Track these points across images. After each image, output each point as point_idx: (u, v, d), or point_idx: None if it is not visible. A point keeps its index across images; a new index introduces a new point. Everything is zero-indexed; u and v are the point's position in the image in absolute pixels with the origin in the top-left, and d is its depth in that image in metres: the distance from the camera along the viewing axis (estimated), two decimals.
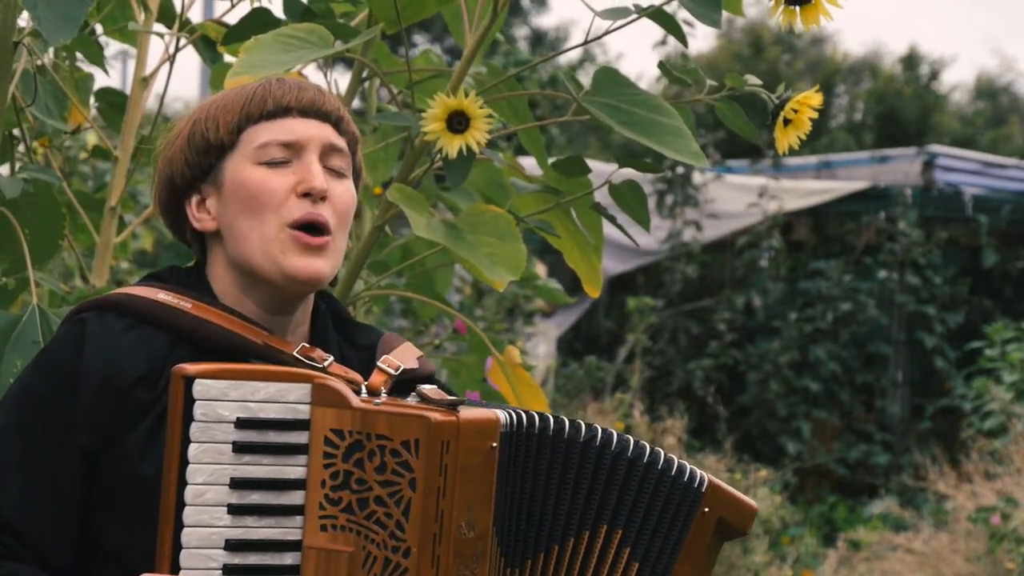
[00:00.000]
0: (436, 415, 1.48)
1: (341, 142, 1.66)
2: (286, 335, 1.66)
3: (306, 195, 1.61)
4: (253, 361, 1.58)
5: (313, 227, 1.61)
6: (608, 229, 2.39)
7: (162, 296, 1.61)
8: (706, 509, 1.67)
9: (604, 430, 1.64)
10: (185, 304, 1.60)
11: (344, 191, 1.66)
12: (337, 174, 1.65)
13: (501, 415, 1.54)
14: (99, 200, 2.70)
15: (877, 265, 9.55)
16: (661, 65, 2.13)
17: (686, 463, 1.68)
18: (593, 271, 2.34)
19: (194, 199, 1.66)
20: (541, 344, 8.67)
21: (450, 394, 1.59)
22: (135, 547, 1.50)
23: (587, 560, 1.62)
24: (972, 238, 9.68)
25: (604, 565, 1.63)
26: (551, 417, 1.61)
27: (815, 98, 2.03)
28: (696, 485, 1.67)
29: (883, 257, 9.50)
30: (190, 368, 1.48)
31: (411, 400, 1.54)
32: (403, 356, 1.67)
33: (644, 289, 9.99)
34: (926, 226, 9.54)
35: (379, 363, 1.61)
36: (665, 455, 1.67)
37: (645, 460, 1.65)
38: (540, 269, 7.44)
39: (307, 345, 1.61)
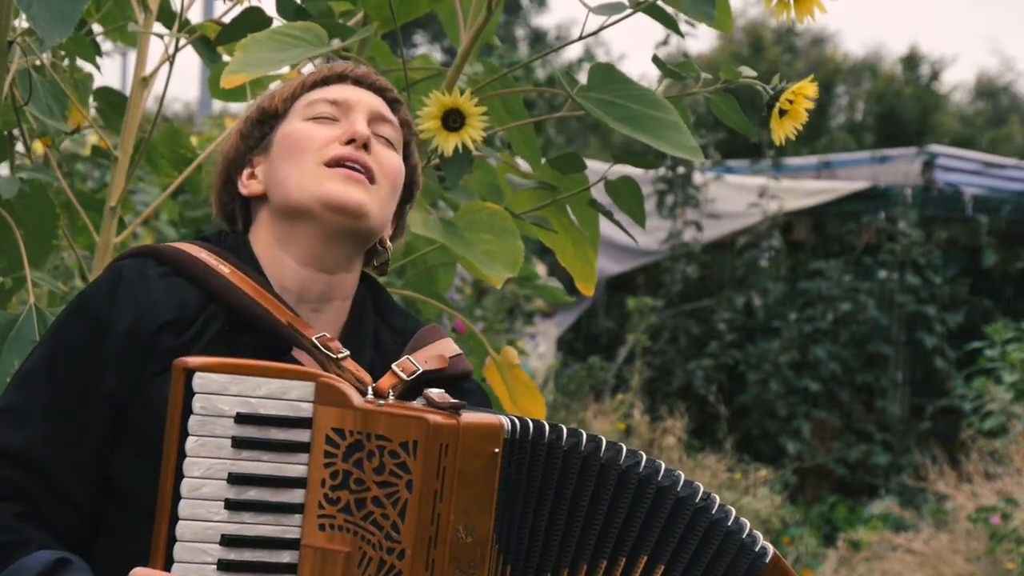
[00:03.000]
0: (436, 417, 1.47)
1: (392, 117, 1.70)
2: (324, 304, 1.65)
3: (349, 142, 1.63)
4: (274, 337, 1.58)
5: (352, 167, 1.62)
6: (608, 229, 2.38)
7: (203, 255, 1.62)
8: None
9: (651, 460, 1.59)
10: (223, 268, 1.61)
11: (392, 157, 1.68)
12: (385, 141, 1.68)
13: (505, 421, 1.52)
14: (99, 200, 2.70)
15: (877, 265, 9.55)
16: (655, 59, 2.13)
17: (746, 521, 1.63)
18: (588, 267, 2.33)
19: (245, 172, 1.70)
20: (541, 344, 8.67)
21: (479, 397, 1.59)
22: (155, 488, 1.49)
23: None
24: (972, 238, 9.67)
25: None
26: (567, 431, 1.56)
27: (810, 88, 2.02)
28: (758, 550, 1.62)
29: (883, 257, 9.49)
30: (191, 361, 1.47)
31: (417, 403, 1.53)
32: (433, 353, 1.65)
33: (644, 289, 10.00)
34: (926, 226, 9.54)
35: (393, 366, 1.60)
36: (722, 504, 1.61)
37: (696, 502, 1.59)
38: (540, 269, 7.45)
39: (327, 335, 1.60)
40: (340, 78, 1.70)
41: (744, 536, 1.62)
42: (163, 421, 1.49)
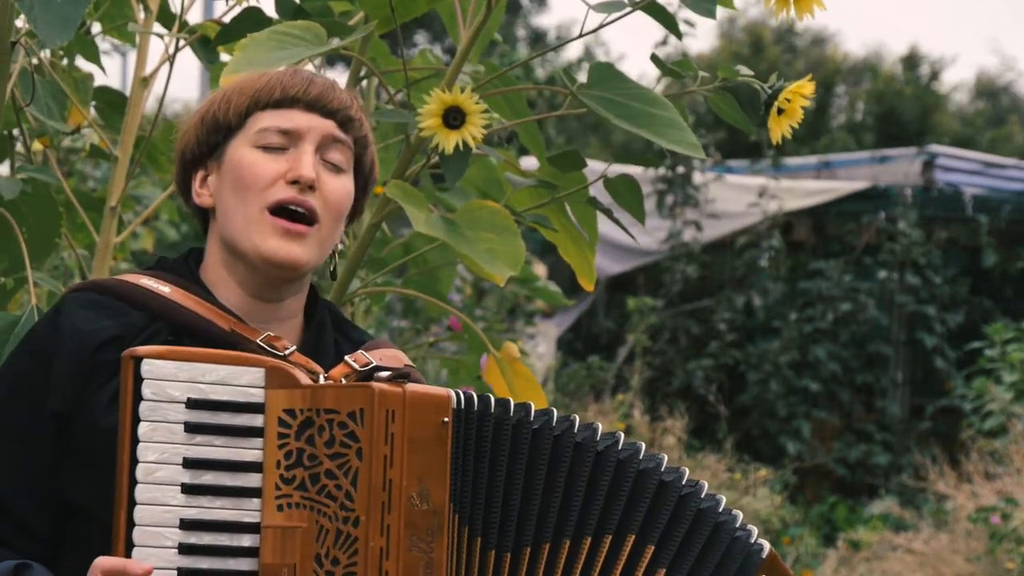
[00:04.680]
0: (381, 385, 1.50)
1: (344, 137, 1.69)
2: (272, 324, 1.67)
3: (294, 182, 1.64)
4: (218, 347, 1.60)
5: (294, 213, 1.64)
6: (609, 228, 2.39)
7: (144, 281, 1.66)
8: None
9: (632, 443, 1.61)
10: (163, 288, 1.65)
11: (339, 186, 1.68)
12: (334, 168, 1.68)
13: (453, 393, 1.54)
14: (99, 200, 2.70)
15: (877, 265, 9.55)
16: (654, 57, 2.13)
17: (739, 512, 1.64)
18: (587, 265, 2.34)
19: (199, 174, 1.71)
20: (541, 344, 8.67)
21: None
22: (106, 502, 1.51)
23: (611, 564, 1.59)
24: (972, 238, 9.68)
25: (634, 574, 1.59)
26: (536, 411, 1.58)
27: (807, 87, 2.03)
28: (754, 544, 1.64)
29: (883, 257, 9.50)
30: (139, 349, 1.51)
31: None
32: (387, 354, 1.69)
33: (644, 289, 9.99)
34: (926, 226, 9.54)
35: (346, 357, 1.63)
36: (711, 493, 1.63)
37: (682, 487, 1.61)
38: (540, 270, 7.45)
39: (272, 335, 1.64)
40: (292, 101, 1.67)
41: (737, 526, 1.63)
42: (107, 434, 1.52)
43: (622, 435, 1.61)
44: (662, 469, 1.61)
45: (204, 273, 1.70)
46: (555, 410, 1.60)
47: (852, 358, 9.47)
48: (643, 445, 1.62)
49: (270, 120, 1.67)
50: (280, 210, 1.64)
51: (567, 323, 9.89)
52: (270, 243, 1.63)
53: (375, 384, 1.50)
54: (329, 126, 1.68)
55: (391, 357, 1.70)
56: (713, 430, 8.79)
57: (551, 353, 9.02)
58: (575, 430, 1.59)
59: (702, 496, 1.62)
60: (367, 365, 1.62)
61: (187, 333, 1.62)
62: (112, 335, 1.60)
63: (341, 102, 1.70)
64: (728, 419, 8.64)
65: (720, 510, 1.63)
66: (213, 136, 1.70)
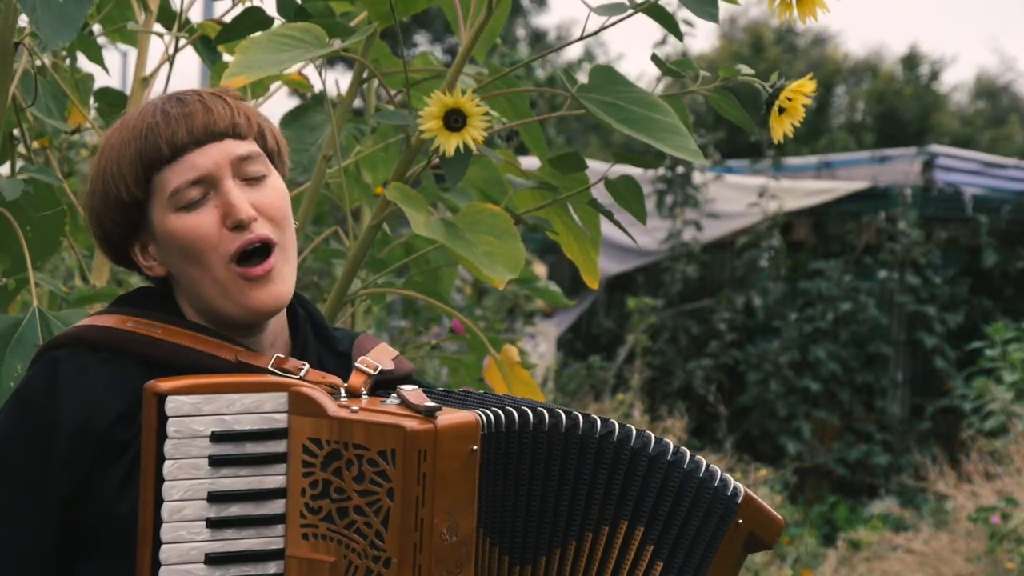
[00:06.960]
0: (413, 424, 1.46)
1: (248, 147, 1.62)
2: (264, 350, 1.63)
3: (236, 228, 1.58)
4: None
5: (256, 253, 1.59)
6: (609, 229, 2.39)
7: (131, 324, 1.59)
8: (740, 521, 1.66)
9: (623, 426, 1.62)
10: (155, 330, 1.59)
11: (271, 192, 1.62)
12: (256, 179, 1.61)
13: (482, 416, 1.52)
14: None
15: (877, 265, 9.55)
16: (654, 57, 2.13)
17: (717, 468, 1.66)
18: (591, 264, 2.34)
19: (136, 247, 1.65)
20: (541, 344, 8.67)
21: (432, 391, 1.59)
22: None
23: (607, 555, 1.61)
24: (972, 238, 9.67)
25: (625, 561, 1.61)
26: (546, 411, 1.58)
27: (808, 86, 2.03)
28: (730, 493, 1.66)
29: (883, 257, 9.50)
30: (162, 385, 1.46)
31: (391, 402, 1.53)
32: (378, 357, 1.66)
33: (644, 289, 10.00)
34: (926, 226, 9.54)
35: (357, 364, 1.61)
36: (692, 455, 1.65)
37: (668, 458, 1.63)
38: (540, 270, 7.45)
39: (280, 356, 1.59)
40: (183, 148, 1.58)
41: (716, 483, 1.65)
42: (116, 519, 1.49)
43: (615, 423, 1.62)
44: (651, 448, 1.63)
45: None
46: (562, 410, 1.60)
47: (852, 358, 9.47)
48: (632, 428, 1.63)
49: (175, 178, 1.58)
50: (241, 257, 1.58)
51: (567, 323, 9.89)
52: (251, 297, 1.58)
53: (406, 423, 1.46)
54: (229, 148, 1.60)
55: (386, 357, 1.67)
56: (713, 430, 8.79)
57: (551, 353, 9.02)
58: (580, 426, 1.59)
59: (685, 464, 1.64)
60: (376, 369, 1.60)
61: (192, 374, 1.56)
62: (121, 410, 1.54)
63: (222, 115, 1.61)
64: (728, 419, 8.64)
65: (702, 472, 1.65)
66: (127, 215, 1.62)
